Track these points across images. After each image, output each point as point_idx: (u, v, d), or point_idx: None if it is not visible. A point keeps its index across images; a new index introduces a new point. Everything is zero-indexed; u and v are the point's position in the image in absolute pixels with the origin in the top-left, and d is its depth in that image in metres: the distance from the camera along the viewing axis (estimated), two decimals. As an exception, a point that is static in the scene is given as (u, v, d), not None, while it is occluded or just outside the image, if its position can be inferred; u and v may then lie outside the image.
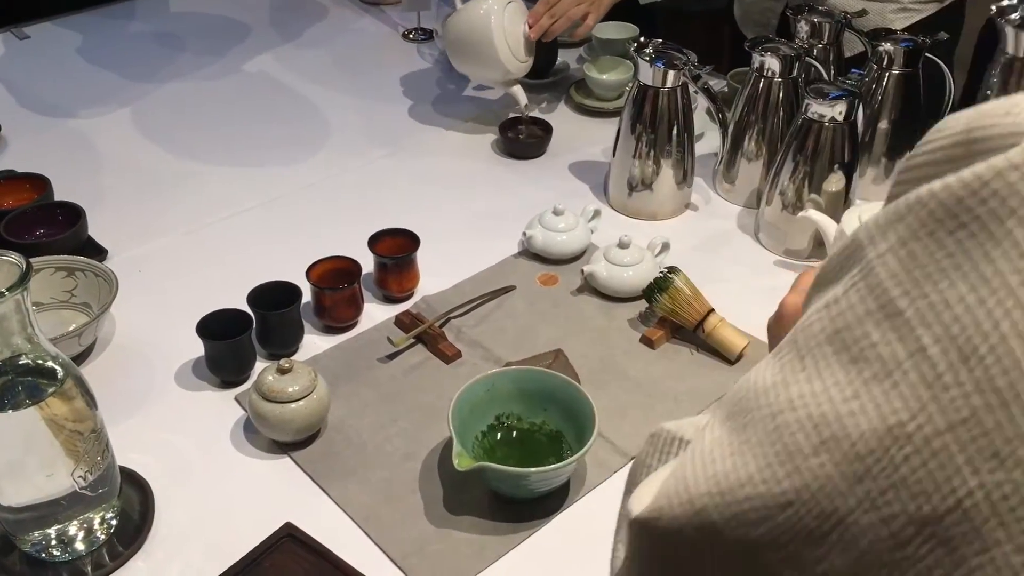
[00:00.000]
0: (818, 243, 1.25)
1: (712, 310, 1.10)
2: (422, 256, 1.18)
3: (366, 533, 0.88)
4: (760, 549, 0.41)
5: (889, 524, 0.39)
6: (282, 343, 1.08)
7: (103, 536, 0.86)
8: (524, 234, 1.26)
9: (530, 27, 1.50)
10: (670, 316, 1.11)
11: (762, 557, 0.42)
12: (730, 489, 0.42)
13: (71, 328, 1.04)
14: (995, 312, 0.37)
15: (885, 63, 1.32)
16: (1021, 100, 0.40)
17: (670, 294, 1.09)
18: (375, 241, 1.17)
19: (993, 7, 1.22)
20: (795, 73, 1.32)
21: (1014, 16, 1.18)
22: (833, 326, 0.42)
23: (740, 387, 0.46)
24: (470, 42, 1.49)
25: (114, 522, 0.87)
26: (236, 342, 1.02)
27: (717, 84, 1.60)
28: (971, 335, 0.37)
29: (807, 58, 1.34)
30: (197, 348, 1.04)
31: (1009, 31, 1.19)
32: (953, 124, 0.42)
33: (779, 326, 0.78)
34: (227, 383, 1.05)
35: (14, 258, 0.72)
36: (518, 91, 1.54)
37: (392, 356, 1.09)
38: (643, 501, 0.47)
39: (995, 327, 0.37)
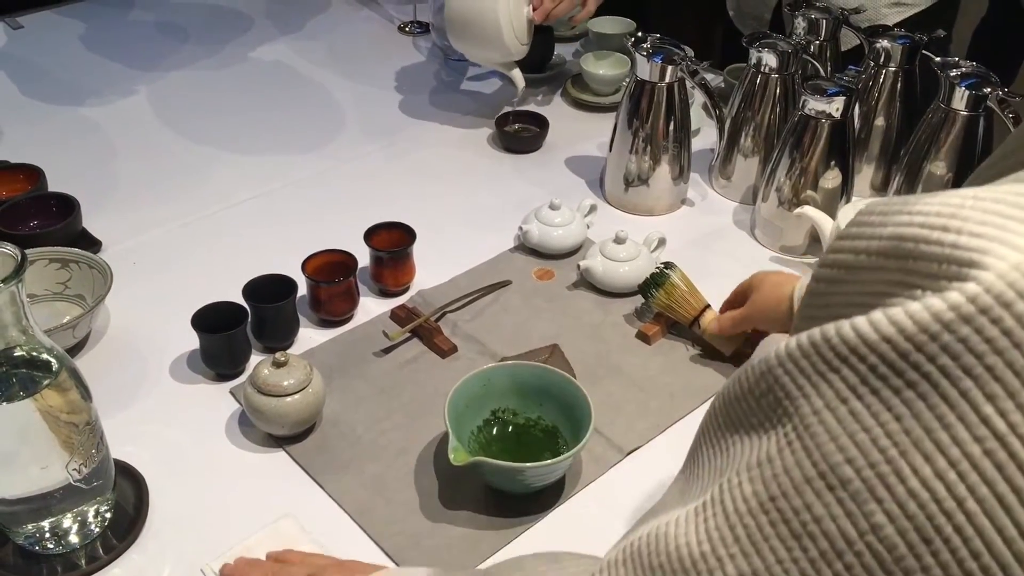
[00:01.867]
0: (814, 240, 1.25)
1: (708, 306, 1.10)
2: (418, 250, 1.17)
3: (361, 527, 0.88)
4: None
5: None
6: (277, 336, 1.08)
7: (97, 529, 0.86)
8: (520, 228, 1.26)
9: (534, 9, 1.49)
10: (666, 312, 1.11)
11: None
12: None
13: (65, 320, 1.04)
14: (957, 488, 0.33)
15: (882, 60, 1.32)
16: (958, 209, 0.35)
17: (666, 290, 1.09)
18: (371, 235, 1.17)
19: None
20: (792, 69, 1.32)
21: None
22: (767, 492, 0.37)
23: (647, 545, 0.41)
24: (474, 21, 1.46)
25: (108, 515, 0.86)
26: (231, 335, 1.02)
27: (714, 79, 1.60)
28: (932, 513, 0.33)
29: (804, 54, 1.34)
30: (192, 341, 1.04)
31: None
32: (879, 224, 0.38)
33: None
34: (222, 376, 1.04)
35: (9, 249, 0.72)
36: (517, 74, 1.54)
37: (388, 350, 1.09)
38: None
39: (959, 505, 0.33)
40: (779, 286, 1.02)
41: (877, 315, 0.35)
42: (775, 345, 0.39)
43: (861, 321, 0.36)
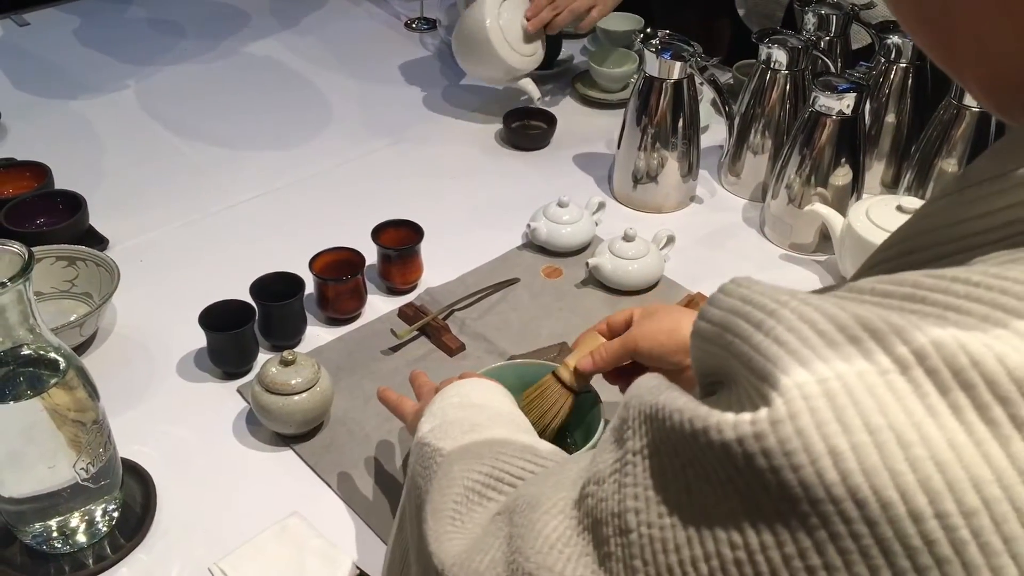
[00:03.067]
0: (824, 237, 1.24)
1: (560, 356, 0.98)
2: (426, 248, 1.17)
3: (369, 526, 0.88)
4: None
5: None
6: (285, 335, 1.08)
7: (105, 528, 0.85)
8: (528, 226, 1.25)
9: (528, 19, 1.48)
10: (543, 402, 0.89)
11: None
12: None
13: (72, 318, 1.04)
14: (716, 574, 0.34)
15: (893, 56, 1.31)
16: (780, 308, 0.34)
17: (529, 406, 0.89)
18: (378, 232, 1.16)
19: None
20: (802, 65, 1.31)
21: None
22: (595, 513, 0.39)
23: (523, 515, 0.45)
24: (471, 45, 1.48)
25: (116, 514, 0.86)
26: (238, 333, 1.01)
27: (723, 76, 1.59)
28: None
29: (814, 50, 1.33)
30: (199, 339, 1.04)
31: None
32: (717, 303, 0.38)
33: None
34: (229, 375, 1.04)
35: (16, 248, 0.71)
36: (528, 85, 1.53)
37: (395, 348, 1.09)
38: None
39: None
40: (664, 328, 0.82)
41: (684, 401, 0.36)
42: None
43: (676, 397, 0.37)
